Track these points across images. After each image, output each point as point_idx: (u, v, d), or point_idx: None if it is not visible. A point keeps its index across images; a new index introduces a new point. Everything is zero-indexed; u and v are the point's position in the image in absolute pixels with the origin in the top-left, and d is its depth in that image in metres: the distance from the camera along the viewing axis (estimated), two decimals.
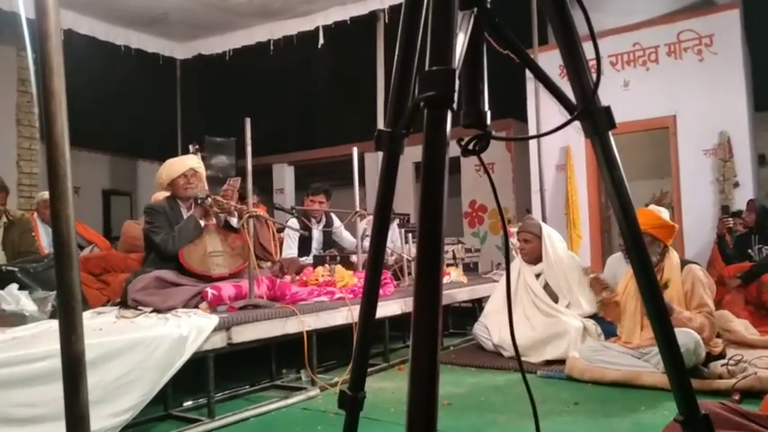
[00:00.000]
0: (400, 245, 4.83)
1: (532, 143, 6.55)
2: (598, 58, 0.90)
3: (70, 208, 1.19)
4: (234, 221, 3.44)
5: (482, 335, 4.08)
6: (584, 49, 0.96)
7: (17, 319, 2.53)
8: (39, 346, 2.07)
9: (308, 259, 4.71)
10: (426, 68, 0.75)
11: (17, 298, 2.63)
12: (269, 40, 6.32)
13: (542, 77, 1.01)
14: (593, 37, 0.92)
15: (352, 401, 1.08)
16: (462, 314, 5.22)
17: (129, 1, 5.52)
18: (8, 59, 7.16)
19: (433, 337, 0.64)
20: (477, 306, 5.05)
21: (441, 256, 0.69)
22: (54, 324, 2.45)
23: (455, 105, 0.74)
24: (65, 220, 1.18)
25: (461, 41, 0.84)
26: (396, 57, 1.06)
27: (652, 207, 3.41)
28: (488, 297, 4.50)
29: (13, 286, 2.71)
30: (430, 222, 0.69)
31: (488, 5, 0.93)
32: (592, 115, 0.93)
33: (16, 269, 2.82)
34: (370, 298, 1.07)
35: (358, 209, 4.34)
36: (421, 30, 1.04)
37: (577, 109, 0.96)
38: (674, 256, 3.29)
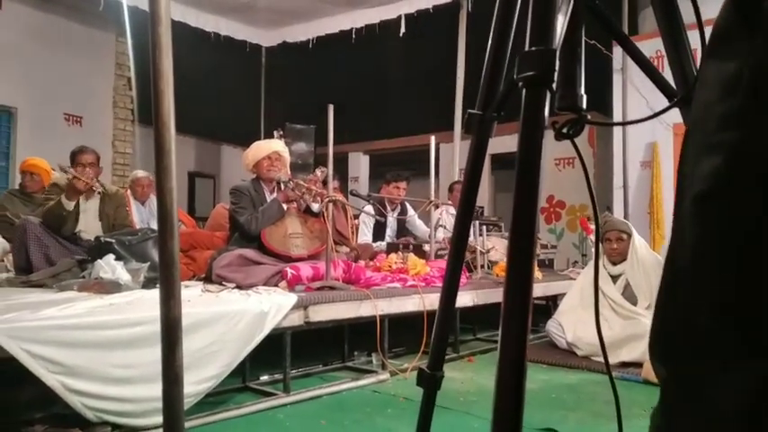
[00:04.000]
0: (473, 237, 4.80)
1: (617, 138, 6.32)
2: (704, 45, 0.87)
3: (173, 181, 1.26)
4: (315, 206, 3.53)
5: (556, 332, 3.99)
6: (688, 36, 0.93)
7: (113, 286, 2.71)
8: (134, 312, 2.21)
9: (382, 245, 4.77)
10: (526, 48, 0.75)
11: (113, 267, 2.82)
12: (351, 29, 6.40)
13: (642, 62, 0.98)
14: (699, 23, 0.89)
15: (430, 380, 1.10)
16: (536, 311, 5.12)
17: None
18: (107, 45, 7.62)
19: (522, 330, 0.64)
20: (551, 303, 4.95)
21: (534, 239, 0.69)
22: (146, 293, 2.62)
23: (553, 87, 0.74)
24: (168, 192, 1.26)
25: (561, 23, 0.83)
26: (490, 39, 1.06)
27: None
28: (563, 295, 4.39)
29: (110, 256, 2.90)
30: (525, 203, 0.68)
31: None
32: None
33: (113, 241, 3.02)
34: (452, 278, 1.08)
35: (433, 198, 4.35)
36: (516, 12, 1.03)
37: (678, 95, 0.93)
38: None
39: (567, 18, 0.85)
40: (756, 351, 0.42)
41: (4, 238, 3.86)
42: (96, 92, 7.56)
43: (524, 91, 0.73)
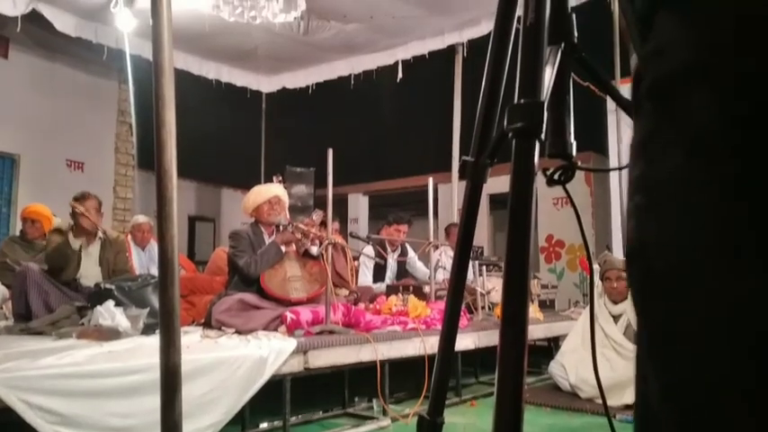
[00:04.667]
0: (473, 278, 4.80)
1: (614, 177, 6.38)
2: None
3: (175, 228, 1.28)
4: (314, 249, 3.55)
5: (558, 374, 3.95)
6: None
7: (112, 333, 2.70)
8: (133, 360, 2.20)
9: (381, 286, 4.76)
10: (515, 101, 0.78)
11: (113, 314, 2.82)
12: (350, 75, 6.55)
13: (627, 108, 1.02)
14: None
15: (430, 427, 1.09)
16: (538, 352, 5.08)
17: (223, 38, 5.88)
18: (111, 92, 7.77)
19: (518, 376, 0.66)
20: (553, 345, 4.91)
21: (527, 286, 0.70)
22: (145, 340, 2.61)
23: (542, 136, 0.77)
24: (170, 240, 1.28)
25: (549, 75, 0.86)
26: (482, 88, 1.09)
27: None
28: (565, 336, 4.36)
29: (110, 303, 2.91)
30: (517, 251, 0.70)
31: (575, 41, 0.95)
32: None
33: (113, 287, 3.02)
34: (452, 321, 1.08)
35: (432, 239, 4.36)
36: (507, 64, 1.07)
37: None
38: None
39: (555, 69, 0.89)
40: None
41: (3, 284, 3.86)
42: (99, 138, 7.68)
43: (514, 141, 0.76)
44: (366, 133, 9.70)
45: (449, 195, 7.10)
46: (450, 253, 5.08)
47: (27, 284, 3.28)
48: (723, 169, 0.43)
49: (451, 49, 6.11)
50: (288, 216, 3.68)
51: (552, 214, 7.75)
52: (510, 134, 0.77)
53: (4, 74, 6.75)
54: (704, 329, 0.44)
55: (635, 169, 0.50)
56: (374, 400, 3.34)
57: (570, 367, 3.89)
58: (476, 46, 5.73)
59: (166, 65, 1.31)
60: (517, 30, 0.93)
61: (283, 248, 3.50)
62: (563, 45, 0.92)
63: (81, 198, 3.62)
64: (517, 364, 0.66)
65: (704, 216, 0.44)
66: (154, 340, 2.64)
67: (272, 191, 3.59)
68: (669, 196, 0.47)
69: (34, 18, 5.54)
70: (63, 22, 5.67)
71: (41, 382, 1.93)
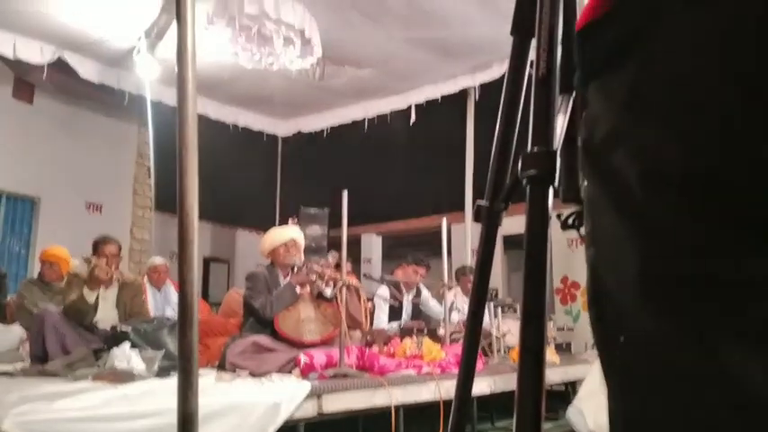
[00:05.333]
0: (489, 320, 4.75)
1: None
2: None
3: (195, 272, 1.31)
4: (328, 291, 3.55)
5: (576, 420, 3.86)
6: None
7: (127, 376, 2.70)
8: (148, 403, 2.20)
9: (393, 326, 4.71)
10: (528, 148, 0.80)
11: (129, 356, 2.82)
12: (364, 119, 6.66)
13: None
14: None
15: None
16: (555, 397, 4.98)
17: (241, 83, 6.03)
18: (130, 136, 7.95)
19: (536, 422, 0.66)
20: (570, 389, 4.81)
21: (544, 331, 0.71)
22: (160, 383, 2.61)
23: (555, 182, 0.78)
24: (190, 284, 1.30)
25: (561, 123, 0.89)
26: (496, 134, 1.12)
27: None
28: (583, 380, 4.27)
29: (126, 345, 2.92)
30: (533, 297, 0.71)
31: None
32: None
33: (129, 329, 3.04)
34: (467, 367, 1.08)
35: (446, 280, 4.35)
36: (519, 111, 1.10)
37: None
38: None
39: (567, 117, 0.92)
40: None
41: (22, 326, 3.89)
42: (118, 180, 7.82)
43: (529, 188, 0.78)
44: (379, 174, 9.79)
45: (462, 236, 7.09)
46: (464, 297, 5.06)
47: (44, 327, 3.30)
48: (641, 224, 0.49)
49: (464, 93, 6.21)
50: (302, 258, 3.70)
51: (567, 256, 7.69)
52: (524, 181, 0.79)
53: (28, 119, 6.95)
54: (632, 363, 0.50)
55: (586, 225, 0.57)
56: None
57: (588, 413, 3.80)
58: (488, 89, 5.82)
59: (190, 114, 1.35)
60: (529, 76, 0.96)
61: (298, 290, 3.51)
62: (574, 93, 0.95)
63: (101, 242, 3.65)
64: (535, 409, 0.66)
65: (629, 270, 0.49)
66: (169, 383, 2.63)
67: (288, 234, 3.62)
68: (606, 251, 0.53)
69: (59, 65, 5.73)
70: (87, 69, 5.85)
71: (58, 426, 1.93)
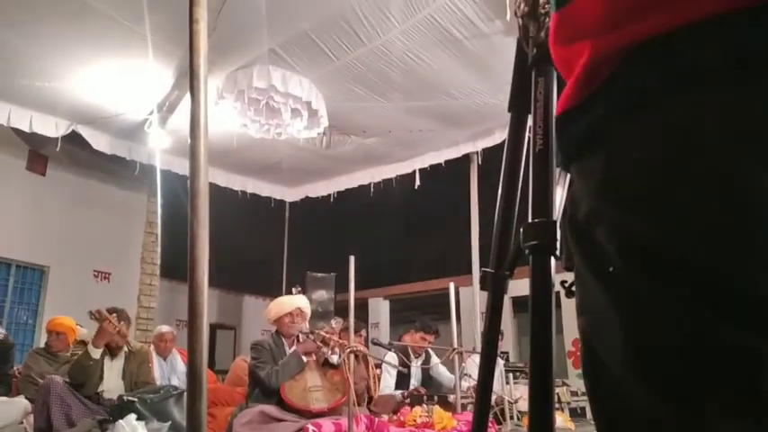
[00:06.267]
0: (500, 386, 4.66)
1: None
2: None
3: (204, 342, 1.32)
4: (334, 358, 3.52)
5: None
6: None
7: None
8: None
9: (397, 394, 4.62)
10: (529, 220, 0.84)
11: (134, 428, 2.78)
12: (370, 183, 6.78)
13: None
14: None
15: None
16: None
17: (249, 152, 6.19)
18: (140, 205, 8.08)
19: None
20: None
21: (552, 398, 0.72)
22: None
23: (557, 252, 0.81)
24: (199, 353, 1.31)
25: (560, 194, 0.93)
26: (497, 205, 1.16)
27: None
28: None
29: (132, 417, 2.88)
30: (540, 362, 0.73)
31: None
32: None
33: (136, 400, 3.01)
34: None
35: (455, 345, 4.30)
36: (519, 181, 1.14)
37: None
38: None
39: (566, 189, 0.96)
40: None
41: (27, 398, 3.84)
42: (126, 249, 7.89)
43: (531, 257, 0.81)
44: (386, 238, 9.85)
45: (470, 299, 7.04)
46: (476, 360, 4.97)
47: (50, 398, 3.27)
48: (622, 296, 0.52)
49: (466, 157, 6.33)
50: (307, 326, 3.69)
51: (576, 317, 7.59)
52: (526, 251, 0.82)
53: (40, 191, 7.09)
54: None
55: (576, 296, 0.62)
56: None
57: None
58: (490, 152, 5.94)
59: (202, 187, 1.40)
60: (527, 149, 1.01)
61: (304, 358, 3.48)
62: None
63: (113, 311, 3.66)
64: None
65: (615, 339, 0.53)
66: None
67: (294, 303, 3.63)
68: (594, 320, 0.58)
69: (72, 138, 5.91)
70: (99, 141, 6.03)
71: None
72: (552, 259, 0.81)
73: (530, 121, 0.97)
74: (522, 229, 0.84)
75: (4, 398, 3.72)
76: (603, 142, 0.57)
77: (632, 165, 0.54)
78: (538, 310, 0.77)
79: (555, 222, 0.82)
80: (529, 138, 0.96)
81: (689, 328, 0.47)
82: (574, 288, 0.97)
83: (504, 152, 1.14)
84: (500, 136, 5.67)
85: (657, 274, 0.50)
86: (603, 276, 0.55)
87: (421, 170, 6.35)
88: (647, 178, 0.52)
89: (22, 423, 3.70)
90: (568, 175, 0.97)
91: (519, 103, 1.09)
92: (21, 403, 3.74)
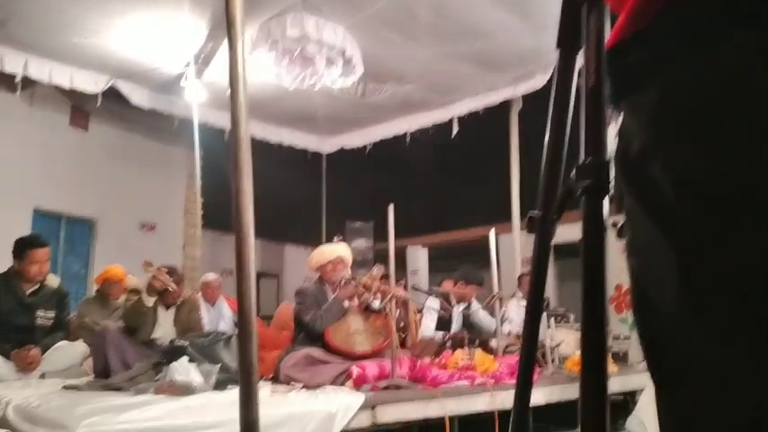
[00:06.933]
0: (542, 330, 4.67)
1: None
2: None
3: (253, 289, 1.36)
4: (376, 303, 3.59)
5: (638, 430, 3.76)
6: None
7: (186, 389, 2.78)
8: (208, 414, 2.27)
9: (438, 335, 4.69)
10: (581, 159, 0.81)
11: (187, 370, 2.91)
12: (406, 132, 6.71)
13: None
14: None
15: None
16: (613, 408, 4.85)
17: (284, 103, 6.18)
18: (180, 157, 8.21)
19: (601, 425, 0.67)
20: (629, 399, 4.68)
21: (605, 342, 0.71)
22: (218, 396, 2.68)
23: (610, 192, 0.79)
24: (248, 299, 1.35)
25: (613, 133, 0.90)
26: (545, 146, 1.13)
27: None
28: (642, 389, 4.16)
29: (184, 359, 3.01)
30: (593, 308, 0.72)
31: None
32: None
33: (187, 344, 3.13)
34: (525, 379, 1.09)
35: (496, 291, 4.32)
36: (569, 119, 1.11)
37: None
38: None
39: (618, 127, 0.93)
40: None
41: (84, 343, 4.05)
42: (169, 201, 8.08)
43: (583, 199, 0.79)
44: (424, 187, 9.81)
45: (510, 246, 7.02)
46: (521, 303, 5.00)
47: (106, 343, 3.43)
48: (677, 232, 0.51)
49: (506, 104, 6.18)
50: (349, 273, 3.76)
51: (621, 262, 7.49)
52: (578, 192, 0.80)
53: (84, 145, 7.28)
54: (677, 370, 0.53)
55: (627, 236, 0.62)
56: None
57: (649, 423, 3.71)
58: (530, 98, 5.78)
59: (243, 138, 1.41)
60: (577, 87, 0.97)
61: (346, 304, 3.56)
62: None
63: (170, 272, 3.76)
64: (599, 421, 0.67)
65: (669, 278, 0.52)
66: (226, 395, 2.71)
67: (335, 251, 3.69)
68: (646, 260, 0.57)
69: (112, 94, 6.00)
70: (138, 96, 6.11)
71: None
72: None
73: (580, 58, 0.94)
74: (574, 170, 0.82)
75: (65, 342, 3.92)
76: (659, 75, 0.55)
77: (691, 98, 0.52)
78: (591, 254, 0.75)
79: (609, 162, 0.79)
80: (579, 74, 0.93)
81: (749, 263, 0.46)
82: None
83: (547, 89, 1.10)
84: (541, 79, 5.49)
85: (717, 207, 0.49)
86: (657, 213, 0.54)
87: (459, 118, 6.24)
88: (707, 111, 0.51)
89: (82, 366, 3.91)
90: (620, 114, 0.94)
91: (568, 40, 1.05)
92: (80, 347, 3.95)
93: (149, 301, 3.60)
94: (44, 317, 3.86)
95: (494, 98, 6.01)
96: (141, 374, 3.18)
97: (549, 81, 1.22)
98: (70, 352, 3.89)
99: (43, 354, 3.67)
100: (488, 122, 6.44)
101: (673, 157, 0.53)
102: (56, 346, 3.81)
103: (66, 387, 3.05)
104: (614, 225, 0.95)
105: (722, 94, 0.50)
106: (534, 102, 5.63)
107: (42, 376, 3.59)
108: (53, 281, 4.13)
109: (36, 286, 3.85)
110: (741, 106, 0.49)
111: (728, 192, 0.48)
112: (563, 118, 1.11)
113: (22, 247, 3.77)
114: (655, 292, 0.55)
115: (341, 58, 4.74)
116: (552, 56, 1.07)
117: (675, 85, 0.54)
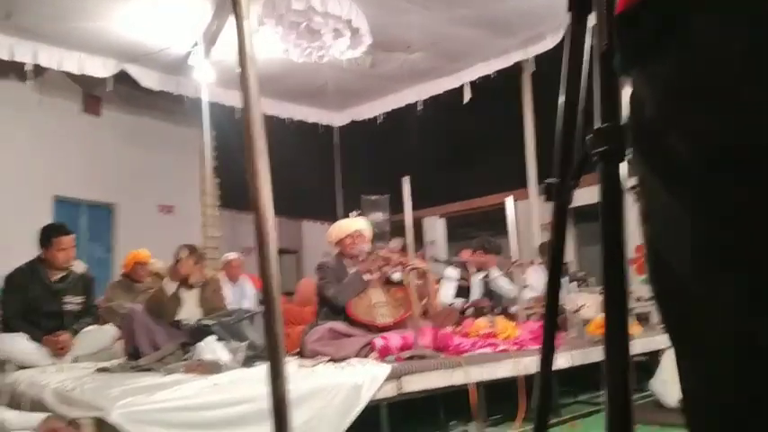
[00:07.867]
0: (564, 295, 4.68)
1: None
2: None
3: (274, 268, 1.37)
4: (396, 275, 3.61)
5: (662, 390, 3.78)
6: None
7: (214, 367, 2.85)
8: (237, 391, 2.32)
9: (457, 302, 4.71)
10: (597, 125, 0.81)
11: (214, 348, 2.97)
12: (416, 101, 6.65)
13: None
14: None
15: None
16: (637, 368, 4.84)
17: (293, 78, 6.14)
18: (193, 138, 8.20)
19: (625, 386, 0.67)
20: (652, 360, 4.68)
21: (627, 304, 0.72)
22: (246, 372, 2.74)
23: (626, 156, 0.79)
24: (270, 279, 1.36)
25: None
26: (558, 113, 1.12)
27: None
28: (664, 350, 4.17)
29: (212, 338, 3.07)
30: (613, 272, 0.72)
31: None
32: None
33: (213, 323, 3.20)
34: (548, 344, 1.10)
35: (514, 258, 4.33)
36: (581, 85, 1.09)
37: None
38: None
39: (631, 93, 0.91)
40: None
41: (114, 325, 4.14)
42: (185, 182, 8.13)
43: (600, 164, 0.79)
44: (438, 156, 9.74)
45: (527, 212, 6.99)
46: (541, 269, 5.00)
47: (134, 325, 3.51)
48: (695, 195, 0.52)
49: (518, 66, 6.09)
50: (369, 246, 3.78)
51: (639, 224, 7.43)
52: (595, 157, 0.79)
53: (97, 130, 7.33)
54: (693, 332, 0.53)
55: (640, 203, 0.62)
56: (470, 425, 3.32)
57: (674, 382, 3.72)
58: (543, 60, 5.67)
59: (255, 117, 1.40)
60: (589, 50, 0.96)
61: (366, 277, 3.59)
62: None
63: (192, 251, 3.80)
64: (623, 382, 0.68)
65: (685, 242, 0.52)
66: (254, 372, 2.76)
67: (353, 225, 3.71)
68: (662, 226, 0.57)
69: (122, 78, 6.01)
70: (147, 78, 6.12)
71: (158, 416, 2.07)
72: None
73: (591, 21, 0.92)
74: (590, 135, 0.81)
75: (95, 326, 4.02)
76: (674, 41, 0.54)
77: (709, 63, 0.51)
78: (610, 219, 0.75)
79: (624, 127, 0.79)
80: (592, 37, 0.91)
81: (766, 224, 0.46)
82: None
83: (563, 55, 1.08)
84: (552, 41, 5.39)
85: (735, 171, 0.48)
86: (673, 178, 0.54)
87: (470, 83, 6.16)
88: (724, 76, 0.50)
89: (112, 348, 4.01)
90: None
91: (579, 3, 1.03)
92: (110, 330, 4.04)
93: (171, 285, 3.64)
94: (72, 302, 3.96)
95: (504, 62, 5.92)
96: (170, 355, 3.26)
97: (561, 42, 1.20)
98: (100, 335, 3.98)
99: (74, 338, 3.77)
100: (501, 87, 6.35)
101: (692, 127, 0.52)
102: (86, 330, 3.91)
103: (99, 370, 3.14)
104: (633, 188, 0.95)
105: (744, 54, 0.49)
106: (547, 63, 5.53)
107: (76, 360, 3.69)
108: (79, 267, 4.22)
109: (63, 273, 3.93)
110: (765, 76, 0.48)
111: (748, 157, 0.48)
112: (575, 82, 1.09)
113: (48, 236, 3.85)
114: (669, 254, 0.55)
115: (348, 29, 4.69)
116: (563, 16, 1.05)
117: (693, 48, 0.52)
